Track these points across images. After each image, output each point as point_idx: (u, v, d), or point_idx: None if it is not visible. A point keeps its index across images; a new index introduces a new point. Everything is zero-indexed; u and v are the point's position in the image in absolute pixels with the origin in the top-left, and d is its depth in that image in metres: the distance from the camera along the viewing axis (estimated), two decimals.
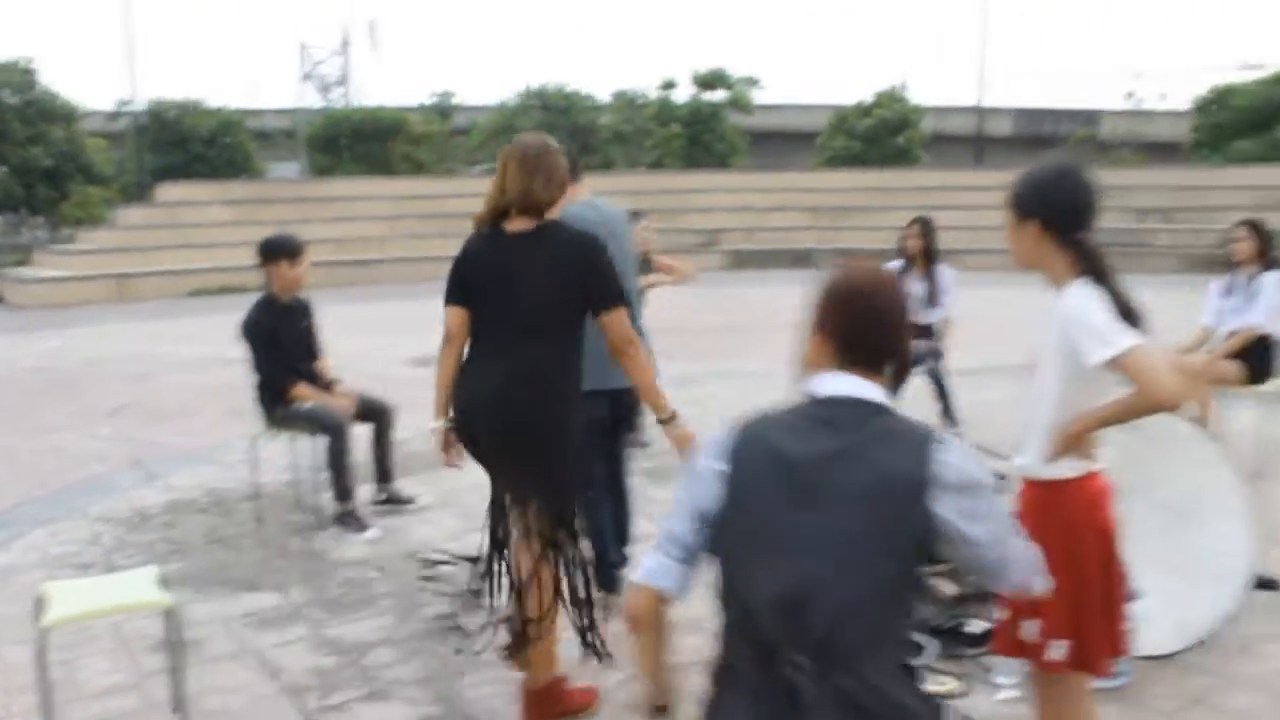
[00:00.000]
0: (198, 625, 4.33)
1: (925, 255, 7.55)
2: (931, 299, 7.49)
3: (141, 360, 11.99)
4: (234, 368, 10.64)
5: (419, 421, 5.10)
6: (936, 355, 7.39)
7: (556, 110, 31.90)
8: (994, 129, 49.04)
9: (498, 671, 3.88)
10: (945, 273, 7.59)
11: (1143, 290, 2.65)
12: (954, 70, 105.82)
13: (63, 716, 3.52)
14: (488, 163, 33.57)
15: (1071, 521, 2.57)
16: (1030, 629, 2.60)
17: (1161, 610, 3.89)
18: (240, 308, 6.17)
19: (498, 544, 3.64)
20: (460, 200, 25.26)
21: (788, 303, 5.33)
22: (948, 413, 7.33)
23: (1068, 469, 2.60)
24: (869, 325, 2.09)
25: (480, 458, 3.58)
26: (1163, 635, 3.95)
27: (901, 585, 1.95)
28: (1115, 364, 2.39)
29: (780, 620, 1.89)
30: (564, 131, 31.87)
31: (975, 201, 21.82)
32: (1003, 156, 43.30)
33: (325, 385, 5.94)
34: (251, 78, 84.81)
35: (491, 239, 3.51)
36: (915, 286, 7.44)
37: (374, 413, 5.97)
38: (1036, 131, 50.36)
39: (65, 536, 5.67)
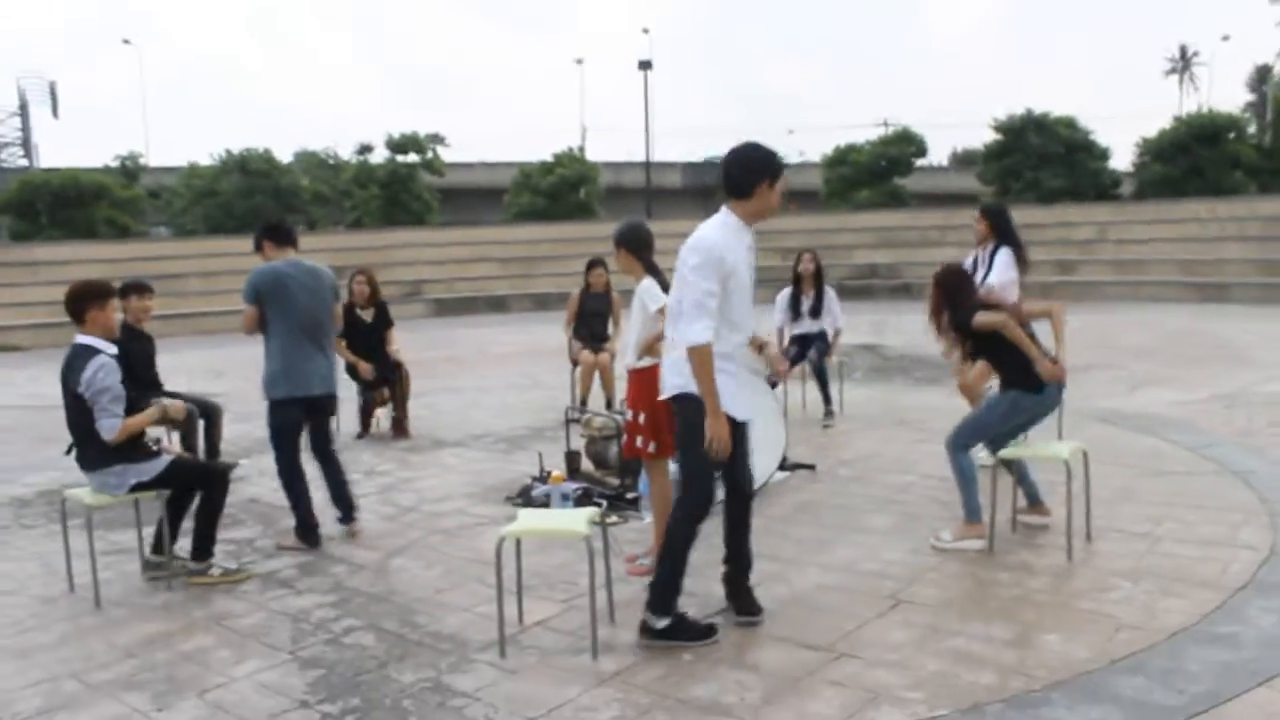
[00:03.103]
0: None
1: (815, 278, 9.97)
2: (815, 312, 9.95)
3: None
4: (7, 412, 12.25)
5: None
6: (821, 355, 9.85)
7: (259, 174, 33.39)
8: (665, 181, 53.84)
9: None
10: (830, 292, 10.04)
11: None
12: (629, 127, 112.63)
13: None
14: (191, 225, 34.56)
15: (651, 386, 5.37)
16: (639, 440, 5.40)
17: None
18: None
19: None
20: (172, 261, 26.55)
21: (489, 339, 8.01)
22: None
23: (646, 363, 5.44)
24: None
25: None
26: None
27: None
28: (660, 311, 5.26)
29: None
30: (266, 194, 33.46)
31: None
32: (674, 206, 47.89)
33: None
34: None
35: None
36: (805, 303, 9.95)
37: (207, 409, 8.19)
38: (702, 183, 55.60)
39: None
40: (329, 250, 29.04)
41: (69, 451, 5.68)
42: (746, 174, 4.65)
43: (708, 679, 4.27)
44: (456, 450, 9.12)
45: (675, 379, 4.62)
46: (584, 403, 9.99)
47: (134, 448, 5.58)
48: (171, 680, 4.43)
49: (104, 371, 5.38)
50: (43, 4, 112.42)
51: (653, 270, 5.66)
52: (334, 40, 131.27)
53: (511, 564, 5.04)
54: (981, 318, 5.87)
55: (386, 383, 9.77)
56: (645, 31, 73.26)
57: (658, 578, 4.66)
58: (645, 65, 37.70)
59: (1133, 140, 36.49)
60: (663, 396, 4.75)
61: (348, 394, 10.00)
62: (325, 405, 6.58)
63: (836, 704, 4.00)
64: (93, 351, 5.45)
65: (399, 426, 9.73)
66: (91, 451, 5.49)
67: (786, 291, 10.18)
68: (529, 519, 4.80)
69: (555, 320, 23.75)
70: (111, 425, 5.37)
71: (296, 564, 5.99)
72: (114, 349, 5.55)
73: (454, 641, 4.75)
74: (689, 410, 4.60)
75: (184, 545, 5.87)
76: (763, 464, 7.21)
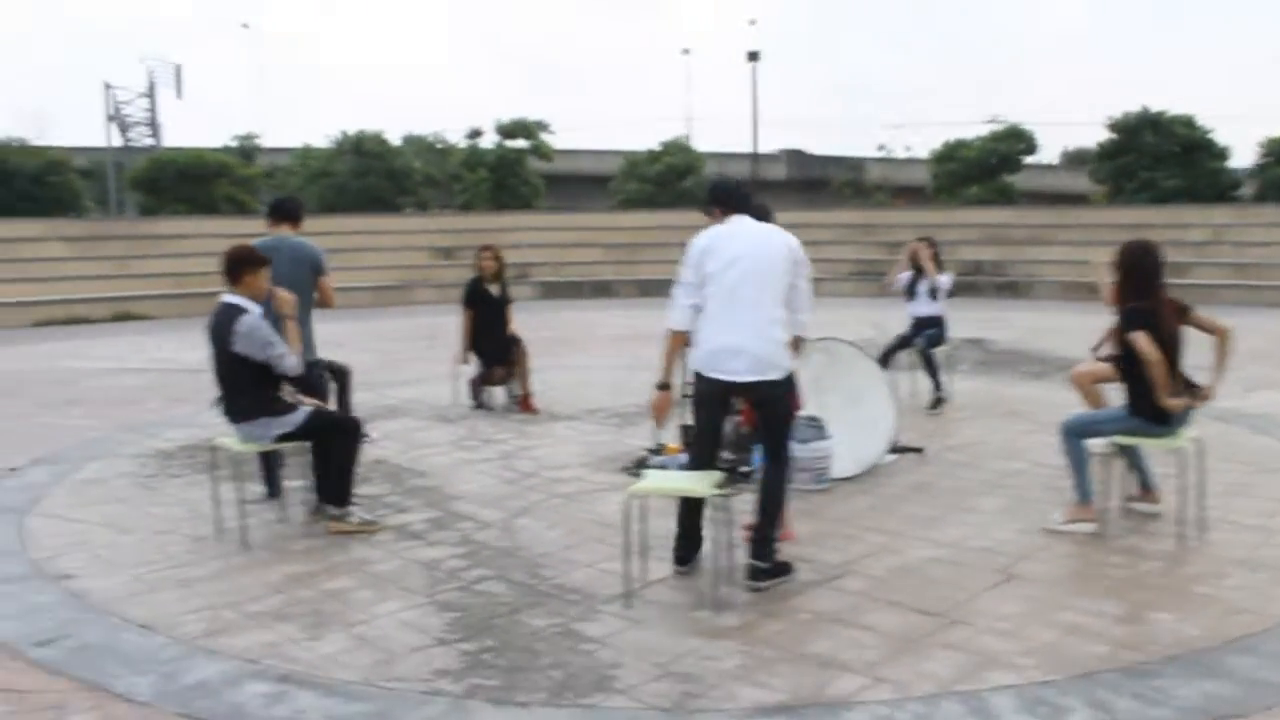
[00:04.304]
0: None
1: (934, 263, 10.10)
2: (935, 294, 10.12)
3: (50, 372, 13.83)
4: (143, 374, 12.81)
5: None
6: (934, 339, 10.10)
7: (372, 156, 34.19)
8: (769, 173, 53.67)
9: None
10: (945, 278, 10.18)
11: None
12: (733, 117, 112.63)
13: None
14: (308, 201, 35.47)
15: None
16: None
17: (846, 450, 7.03)
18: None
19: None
20: None
21: (596, 322, 8.16)
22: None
23: None
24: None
25: None
26: (848, 465, 7.08)
27: None
28: None
29: None
30: (379, 175, 34.25)
31: None
32: (779, 197, 47.76)
33: None
34: (38, 113, 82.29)
35: None
36: (923, 285, 10.15)
37: (338, 371, 8.54)
38: (807, 175, 55.37)
39: (120, 466, 7.98)
40: (440, 231, 29.72)
41: (216, 404, 6.07)
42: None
43: (826, 636, 4.45)
44: (571, 423, 9.40)
45: (786, 360, 5.10)
46: None
47: (275, 401, 5.93)
48: (318, 614, 4.75)
49: (259, 326, 5.79)
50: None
51: None
52: (443, 26, 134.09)
53: (636, 523, 5.26)
54: (1140, 341, 5.71)
55: (505, 360, 10.06)
56: (752, 23, 72.83)
57: (764, 530, 5.10)
58: (753, 56, 37.67)
59: (1256, 140, 35.37)
60: (777, 376, 5.05)
61: (467, 368, 10.40)
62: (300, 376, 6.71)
63: (950, 665, 4.15)
64: (240, 310, 5.83)
65: (525, 403, 10.00)
66: (240, 404, 5.86)
67: (907, 274, 10.39)
68: (656, 479, 5.02)
69: (661, 306, 24.12)
70: (293, 363, 5.81)
71: (426, 519, 6.30)
72: (259, 308, 5.92)
73: (580, 593, 5.00)
74: (790, 384, 5.22)
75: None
76: (873, 445, 7.38)
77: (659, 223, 30.71)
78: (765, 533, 5.11)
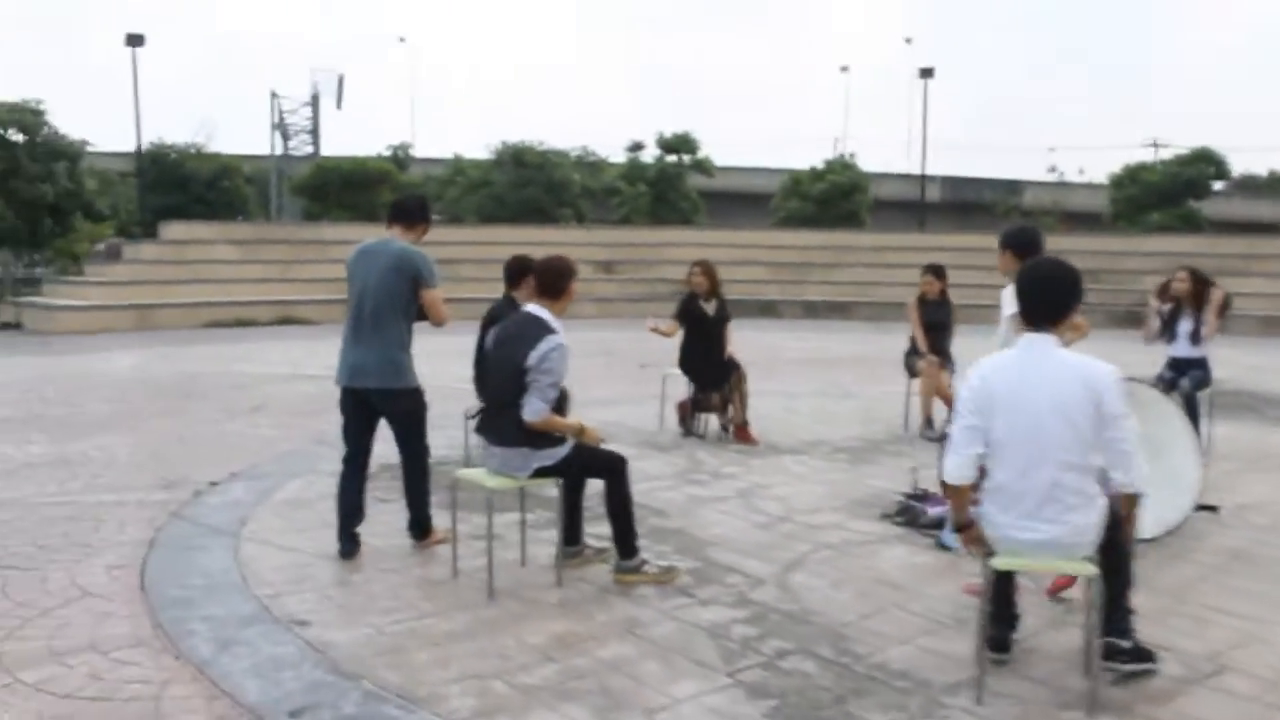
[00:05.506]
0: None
1: (1195, 298, 8.90)
2: (1195, 336, 8.91)
3: (228, 376, 13.65)
4: (319, 383, 12.41)
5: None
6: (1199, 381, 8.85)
7: (533, 167, 33.96)
8: (925, 195, 52.26)
9: None
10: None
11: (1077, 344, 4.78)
12: (882, 139, 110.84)
13: None
14: (466, 212, 35.44)
15: None
16: None
17: (1149, 508, 6.02)
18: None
19: None
20: (446, 247, 27.15)
21: (776, 345, 7.28)
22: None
23: None
24: None
25: None
26: (1150, 525, 6.08)
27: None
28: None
29: None
30: (539, 186, 34.02)
31: (918, 261, 24.27)
32: (934, 220, 46.30)
33: None
34: (206, 120, 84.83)
35: None
36: (1184, 324, 8.97)
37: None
38: (962, 198, 53.65)
39: (321, 486, 7.36)
40: (599, 245, 29.25)
41: (472, 417, 5.44)
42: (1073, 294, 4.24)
43: None
44: (798, 458, 8.54)
45: (1094, 534, 4.04)
46: (928, 422, 9.32)
47: (545, 432, 5.22)
48: (607, 694, 3.98)
49: (560, 354, 5.13)
50: (322, 12, 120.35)
51: None
52: (592, 42, 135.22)
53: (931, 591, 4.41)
54: None
55: (721, 384, 9.28)
56: (908, 41, 71.03)
57: (1120, 603, 4.18)
58: (926, 73, 36.13)
59: None
60: (1086, 554, 4.04)
61: (674, 390, 9.65)
62: (373, 401, 5.87)
63: None
64: (548, 329, 5.19)
65: (741, 432, 9.20)
66: (505, 425, 5.16)
67: (1165, 308, 9.22)
68: (1021, 556, 4.10)
69: (833, 330, 23.29)
70: (538, 410, 5.05)
71: (688, 571, 5.50)
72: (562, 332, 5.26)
73: (910, 680, 4.13)
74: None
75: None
76: (1177, 504, 6.37)
77: (825, 242, 29.73)
78: (1119, 601, 4.19)
